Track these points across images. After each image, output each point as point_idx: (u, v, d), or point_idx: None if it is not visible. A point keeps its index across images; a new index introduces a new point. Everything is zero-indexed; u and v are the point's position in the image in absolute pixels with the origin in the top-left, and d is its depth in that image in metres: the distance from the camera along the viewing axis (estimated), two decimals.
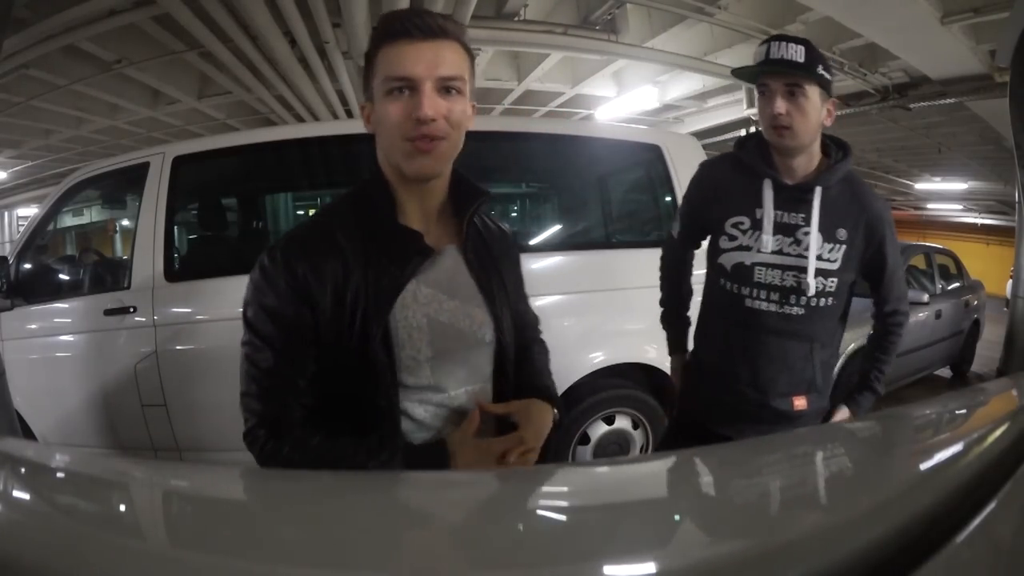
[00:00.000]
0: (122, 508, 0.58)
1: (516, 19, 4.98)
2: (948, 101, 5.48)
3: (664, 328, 1.53)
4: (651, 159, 2.60)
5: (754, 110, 6.94)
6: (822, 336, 1.28)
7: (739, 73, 1.28)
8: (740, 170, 1.28)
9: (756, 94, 1.25)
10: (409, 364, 0.83)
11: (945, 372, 5.59)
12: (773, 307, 1.24)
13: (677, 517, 0.54)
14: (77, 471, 0.68)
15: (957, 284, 5.57)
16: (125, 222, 4.20)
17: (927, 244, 5.95)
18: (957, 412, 0.88)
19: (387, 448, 0.80)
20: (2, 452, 0.74)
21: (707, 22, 4.83)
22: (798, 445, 0.78)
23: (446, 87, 0.78)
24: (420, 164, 0.79)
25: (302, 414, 0.81)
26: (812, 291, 1.21)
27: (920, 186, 12.19)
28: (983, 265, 8.70)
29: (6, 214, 14.02)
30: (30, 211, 11.38)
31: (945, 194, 13.06)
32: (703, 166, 1.39)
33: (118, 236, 7.51)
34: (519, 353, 0.97)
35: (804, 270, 1.21)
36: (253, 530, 0.49)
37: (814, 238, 1.20)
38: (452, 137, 0.80)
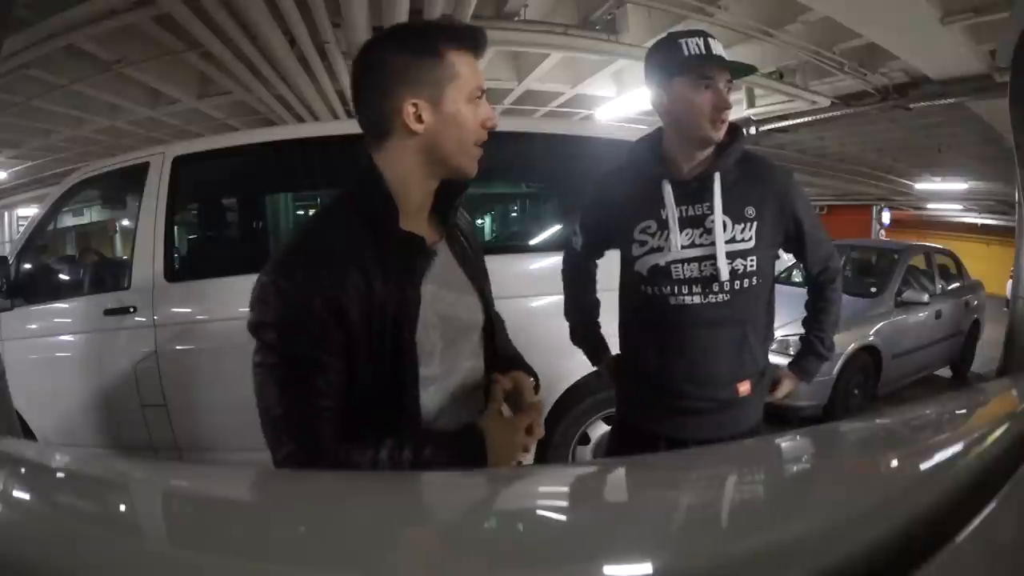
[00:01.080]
0: (122, 508, 0.58)
1: (516, 19, 4.97)
2: (948, 101, 5.48)
3: (578, 344, 1.54)
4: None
5: (755, 110, 6.96)
6: (753, 317, 1.27)
7: (693, 59, 1.20)
8: (636, 176, 1.30)
9: (683, 86, 1.20)
10: (424, 360, 0.85)
11: (945, 372, 5.59)
12: (698, 299, 1.24)
13: (677, 517, 0.54)
14: (77, 471, 0.68)
15: (957, 284, 5.57)
16: (125, 222, 4.21)
17: (927, 244, 5.95)
18: (957, 412, 0.88)
19: (425, 443, 0.81)
20: (2, 452, 0.74)
21: (707, 22, 4.82)
22: (797, 445, 0.78)
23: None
24: (476, 168, 0.86)
25: (338, 430, 0.80)
26: (725, 275, 1.21)
27: (920, 186, 12.18)
28: (983, 265, 8.69)
29: (6, 214, 14.02)
30: (30, 211, 11.38)
31: (945, 194, 13.05)
32: (598, 183, 1.40)
33: (118, 236, 7.51)
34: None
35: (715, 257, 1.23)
36: (253, 530, 0.49)
37: (718, 224, 1.21)
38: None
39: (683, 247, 1.23)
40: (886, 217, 14.94)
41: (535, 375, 1.02)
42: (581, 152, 2.65)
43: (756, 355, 1.28)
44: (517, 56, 6.47)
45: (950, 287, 5.42)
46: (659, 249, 1.24)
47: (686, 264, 1.23)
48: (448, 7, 4.44)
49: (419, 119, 0.82)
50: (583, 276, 1.52)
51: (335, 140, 2.59)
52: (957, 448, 0.67)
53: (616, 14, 5.02)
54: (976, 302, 5.72)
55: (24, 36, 4.27)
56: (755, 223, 1.23)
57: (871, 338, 4.36)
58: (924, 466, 0.65)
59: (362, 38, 4.71)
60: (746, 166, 1.26)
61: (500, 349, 1.03)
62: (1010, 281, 5.83)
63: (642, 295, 1.29)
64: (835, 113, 6.38)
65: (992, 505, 0.47)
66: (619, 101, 6.94)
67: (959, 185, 11.55)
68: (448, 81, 0.81)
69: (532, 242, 2.83)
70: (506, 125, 3.66)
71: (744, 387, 1.27)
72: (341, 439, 0.81)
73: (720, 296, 1.23)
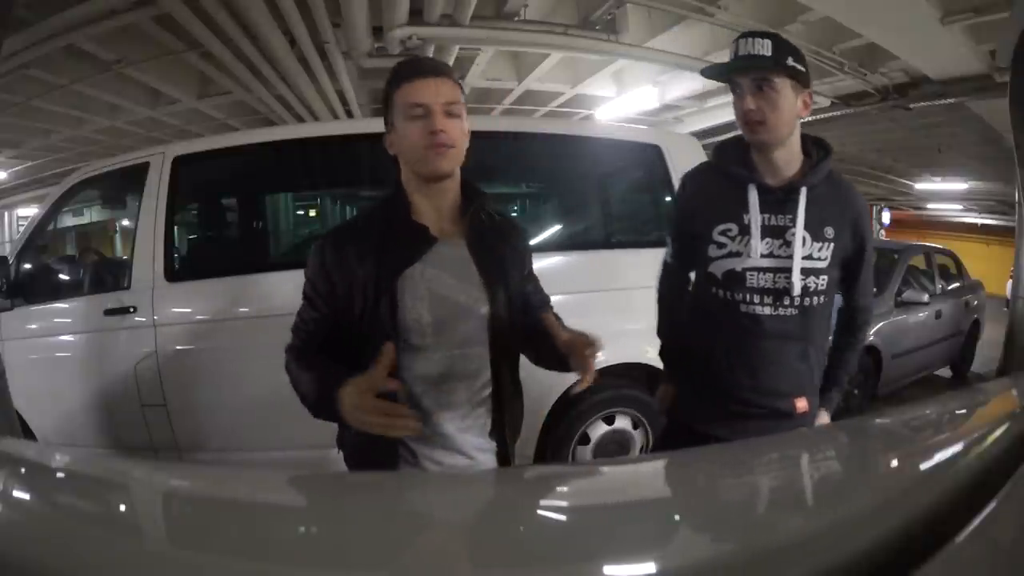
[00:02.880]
0: (122, 508, 0.58)
1: (516, 19, 4.97)
2: (948, 101, 5.48)
3: (666, 362, 1.50)
4: (651, 159, 2.59)
5: None
6: (816, 336, 1.28)
7: (708, 72, 1.29)
8: (723, 177, 1.28)
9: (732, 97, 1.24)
10: (413, 326, 1.05)
11: (945, 372, 5.59)
12: (768, 310, 1.24)
13: (677, 517, 0.54)
14: (77, 471, 0.68)
15: (957, 284, 5.57)
16: (125, 222, 4.20)
17: (927, 244, 5.95)
18: (957, 412, 0.88)
19: (321, 375, 1.01)
20: (2, 452, 0.74)
21: (707, 22, 4.82)
22: (798, 445, 0.78)
23: (448, 111, 1.03)
24: (435, 165, 1.03)
25: (318, 349, 1.07)
26: (797, 291, 1.21)
27: (920, 186, 12.17)
28: (983, 265, 8.69)
29: (6, 214, 14.02)
30: (30, 211, 11.38)
31: (945, 194, 13.04)
32: (685, 181, 1.38)
33: (118, 236, 7.51)
34: (531, 325, 1.14)
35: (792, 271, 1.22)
36: (253, 530, 0.49)
37: (799, 238, 1.21)
38: (458, 145, 1.05)
39: (761, 255, 1.23)
40: (886, 217, 14.94)
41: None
42: (581, 152, 2.65)
43: (815, 374, 1.29)
44: (517, 56, 6.48)
45: (950, 287, 5.42)
46: (737, 254, 1.24)
47: (761, 273, 1.23)
48: (448, 7, 4.45)
49: (391, 144, 1.09)
50: (680, 291, 1.45)
51: (335, 140, 2.59)
52: (957, 448, 0.67)
53: (616, 14, 5.02)
54: (976, 302, 5.71)
55: (24, 36, 4.27)
56: (832, 244, 1.23)
57: (871, 338, 4.35)
58: (924, 466, 0.65)
59: (362, 38, 4.72)
60: (830, 184, 1.25)
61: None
62: (1010, 281, 5.83)
63: (713, 298, 1.29)
64: (835, 113, 6.38)
65: (992, 505, 0.47)
66: (619, 101, 6.94)
67: (959, 185, 11.55)
68: (394, 110, 1.06)
69: (533, 242, 2.82)
70: (503, 125, 3.67)
71: (802, 404, 1.28)
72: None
73: (790, 310, 1.23)
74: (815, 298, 1.23)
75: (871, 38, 4.65)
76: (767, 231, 1.23)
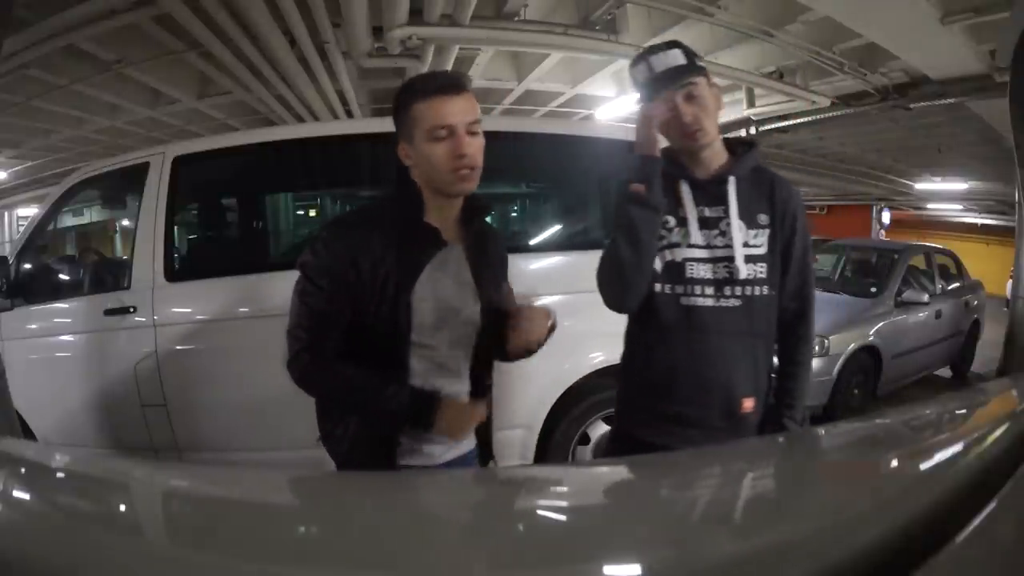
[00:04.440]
0: (122, 508, 0.58)
1: (516, 19, 4.97)
2: (948, 101, 5.47)
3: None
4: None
5: (755, 110, 6.96)
6: (762, 331, 1.26)
7: (646, 95, 1.25)
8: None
9: (654, 108, 1.23)
10: (417, 327, 1.10)
11: (945, 372, 5.59)
12: (709, 301, 1.23)
13: (677, 517, 0.54)
14: (77, 471, 0.68)
15: (957, 284, 5.57)
16: (125, 222, 4.20)
17: (927, 244, 5.95)
18: (957, 412, 0.88)
19: (400, 386, 1.09)
20: (2, 452, 0.74)
21: (707, 22, 4.82)
22: (798, 445, 0.78)
23: (471, 131, 1.06)
24: (462, 187, 1.09)
25: (337, 349, 1.10)
26: (744, 274, 1.21)
27: (920, 186, 12.16)
28: (983, 265, 8.68)
29: (6, 214, 14.01)
30: (30, 211, 11.37)
31: (945, 194, 13.02)
32: (620, 182, 1.34)
33: (118, 236, 7.51)
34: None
35: (733, 259, 1.22)
36: (253, 530, 0.49)
37: (735, 223, 1.22)
38: (480, 164, 1.08)
39: (699, 246, 1.24)
40: (886, 217, 14.92)
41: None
42: (581, 152, 2.65)
43: (761, 372, 1.27)
44: (517, 56, 6.47)
45: (950, 287, 5.42)
46: (676, 244, 1.25)
47: (700, 264, 1.24)
48: (448, 7, 4.44)
49: (407, 156, 1.10)
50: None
51: (335, 140, 2.59)
52: (957, 448, 0.67)
53: (616, 14, 5.02)
54: (976, 302, 5.72)
55: (24, 36, 4.26)
56: (767, 230, 1.25)
57: (871, 338, 4.36)
58: (924, 466, 0.65)
59: (362, 38, 4.72)
60: (759, 175, 1.28)
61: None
62: (1010, 281, 5.83)
63: (654, 295, 1.26)
64: (835, 113, 6.37)
65: (992, 505, 0.47)
66: (619, 101, 6.94)
67: (959, 185, 11.53)
68: (415, 127, 1.06)
69: (532, 242, 2.82)
70: (503, 125, 3.67)
71: (749, 403, 1.25)
72: (344, 360, 1.10)
73: (732, 301, 1.23)
74: (757, 287, 1.23)
75: (871, 38, 4.64)
76: (703, 223, 1.25)
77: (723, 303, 1.23)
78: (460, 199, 1.14)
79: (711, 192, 1.25)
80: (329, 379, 1.11)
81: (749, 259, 1.22)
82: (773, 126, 7.01)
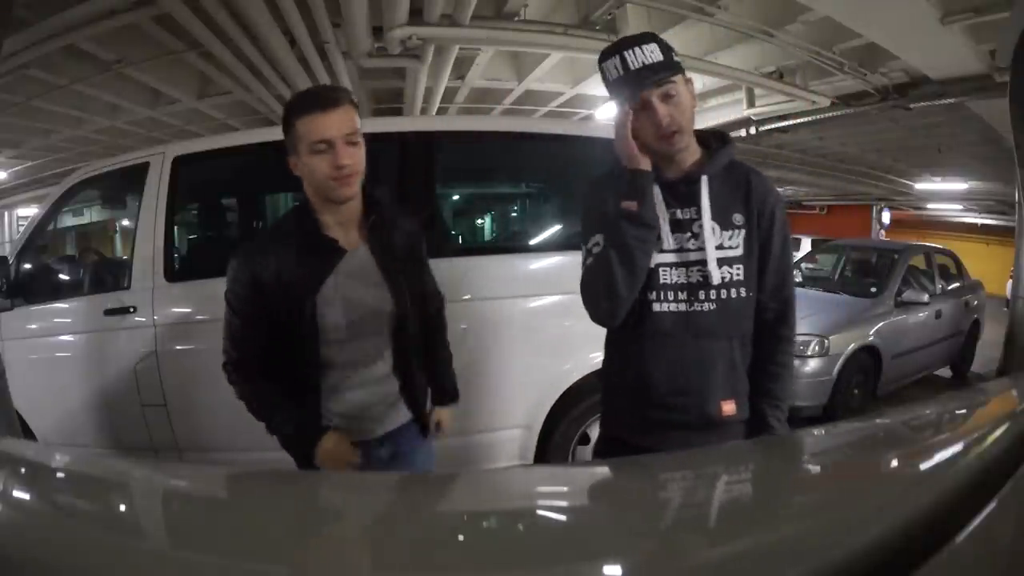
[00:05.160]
0: (122, 508, 0.58)
1: (516, 19, 4.97)
2: (948, 101, 5.47)
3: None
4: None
5: (755, 110, 6.95)
6: (737, 331, 1.21)
7: (616, 95, 1.19)
8: (624, 176, 1.22)
9: (619, 108, 1.18)
10: (331, 328, 1.23)
11: (945, 372, 5.59)
12: (683, 307, 1.18)
13: (677, 517, 0.54)
14: (77, 471, 0.68)
15: (957, 284, 5.57)
16: (125, 222, 4.20)
17: (927, 244, 5.95)
18: (957, 412, 0.88)
19: (289, 415, 1.27)
20: (2, 452, 0.74)
21: (707, 22, 4.82)
22: (798, 445, 0.78)
23: (349, 141, 1.15)
24: (343, 193, 1.18)
25: (260, 359, 1.26)
26: (717, 279, 1.16)
27: (920, 186, 12.17)
28: (983, 265, 8.69)
29: (6, 214, 14.01)
30: (30, 211, 11.37)
31: (945, 194, 13.03)
32: (589, 186, 1.34)
33: (118, 236, 7.50)
34: (425, 323, 1.41)
35: (707, 263, 1.16)
36: (253, 530, 0.49)
37: (707, 226, 1.16)
38: (360, 170, 1.18)
39: (670, 250, 1.18)
40: (886, 217, 14.92)
41: (456, 397, 1.52)
42: (580, 152, 2.65)
43: (739, 374, 1.22)
44: (517, 56, 6.47)
45: (950, 287, 5.42)
46: None
47: (673, 269, 1.18)
48: (448, 7, 4.44)
49: (296, 168, 1.21)
50: None
51: None
52: (957, 448, 0.67)
53: (616, 14, 5.02)
54: (976, 302, 5.72)
55: (24, 36, 4.26)
56: (743, 231, 1.19)
57: (871, 338, 4.36)
58: (924, 466, 0.65)
59: (362, 38, 4.72)
60: (734, 172, 1.22)
61: (431, 347, 1.46)
62: (1010, 281, 5.83)
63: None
64: (835, 113, 6.37)
65: (992, 505, 0.47)
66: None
67: (959, 185, 11.54)
68: (299, 142, 1.16)
69: (530, 242, 2.82)
70: (503, 125, 3.66)
71: (729, 407, 1.21)
72: (267, 374, 1.26)
73: (707, 305, 1.18)
74: (733, 290, 1.18)
75: (871, 38, 4.64)
76: (674, 225, 1.19)
77: (697, 307, 1.18)
78: (356, 202, 1.24)
79: (683, 193, 1.19)
80: (247, 393, 1.29)
81: (723, 262, 1.17)
82: (773, 126, 7.01)
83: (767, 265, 1.22)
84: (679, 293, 1.18)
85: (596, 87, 6.90)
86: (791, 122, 6.82)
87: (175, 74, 6.26)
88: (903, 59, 5.14)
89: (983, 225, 15.45)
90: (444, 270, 2.35)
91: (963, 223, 16.18)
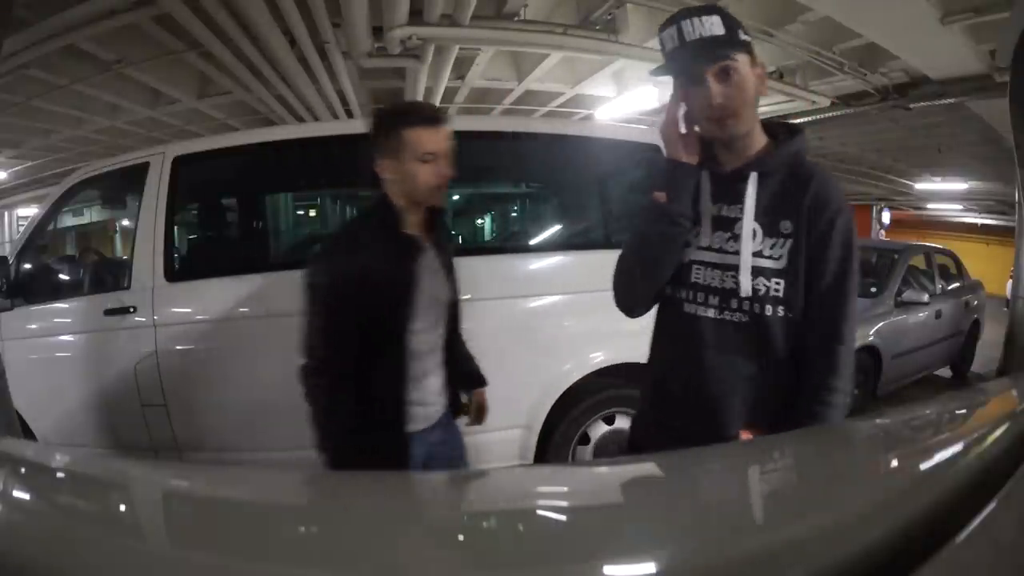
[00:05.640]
0: (122, 508, 0.58)
1: (516, 19, 4.97)
2: (948, 101, 5.48)
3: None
4: (651, 159, 2.59)
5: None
6: (773, 353, 1.04)
7: (661, 71, 1.07)
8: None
9: (676, 87, 1.07)
10: (419, 318, 1.34)
11: (945, 372, 5.59)
12: (711, 312, 1.06)
13: (677, 517, 0.54)
14: (77, 471, 0.68)
15: (957, 284, 5.57)
16: (125, 222, 4.20)
17: (927, 244, 5.95)
18: (957, 412, 0.88)
19: (345, 447, 1.28)
20: (2, 452, 0.74)
21: None
22: (799, 445, 0.78)
23: (447, 155, 1.30)
24: (438, 199, 1.35)
25: (348, 362, 1.27)
26: (746, 292, 1.01)
27: (920, 186, 12.17)
28: (983, 265, 8.69)
29: (6, 214, 14.01)
30: (30, 211, 11.37)
31: (945, 194, 13.03)
32: (642, 166, 1.27)
33: (118, 236, 7.51)
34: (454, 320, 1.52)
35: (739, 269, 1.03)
36: (253, 530, 0.49)
37: (747, 228, 1.03)
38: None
39: (709, 248, 1.07)
40: (886, 217, 14.92)
41: (484, 382, 1.62)
42: (580, 152, 2.65)
43: (765, 405, 1.05)
44: (517, 56, 6.47)
45: (950, 287, 5.42)
46: (688, 244, 1.09)
47: (708, 269, 1.07)
48: (448, 7, 4.44)
49: (389, 172, 1.30)
50: None
51: (335, 140, 2.58)
52: (957, 448, 0.67)
53: (616, 14, 5.02)
54: (976, 302, 5.72)
55: (24, 36, 4.26)
56: (790, 241, 1.02)
57: (871, 338, 4.36)
58: (924, 466, 0.65)
59: (362, 38, 4.72)
60: (797, 173, 1.05)
61: (467, 361, 1.60)
62: (1010, 281, 5.83)
63: (661, 296, 1.14)
64: (835, 113, 6.37)
65: (992, 505, 0.47)
66: (619, 101, 6.94)
67: (959, 185, 11.54)
68: (404, 148, 1.27)
69: (531, 242, 2.82)
70: (503, 125, 3.66)
71: (746, 436, 1.06)
72: (350, 371, 1.28)
73: (737, 315, 1.04)
74: (768, 306, 1.02)
75: (871, 38, 4.64)
76: (718, 223, 1.07)
77: (727, 317, 1.04)
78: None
79: (731, 188, 1.05)
80: (327, 402, 1.28)
81: (759, 272, 1.02)
82: None
83: (815, 289, 1.02)
84: (711, 297, 1.06)
85: (596, 87, 6.91)
86: (791, 122, 6.82)
87: (175, 74, 6.26)
88: (903, 59, 5.14)
89: (983, 225, 15.44)
90: None
91: (963, 223, 16.18)
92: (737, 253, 1.04)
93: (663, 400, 1.15)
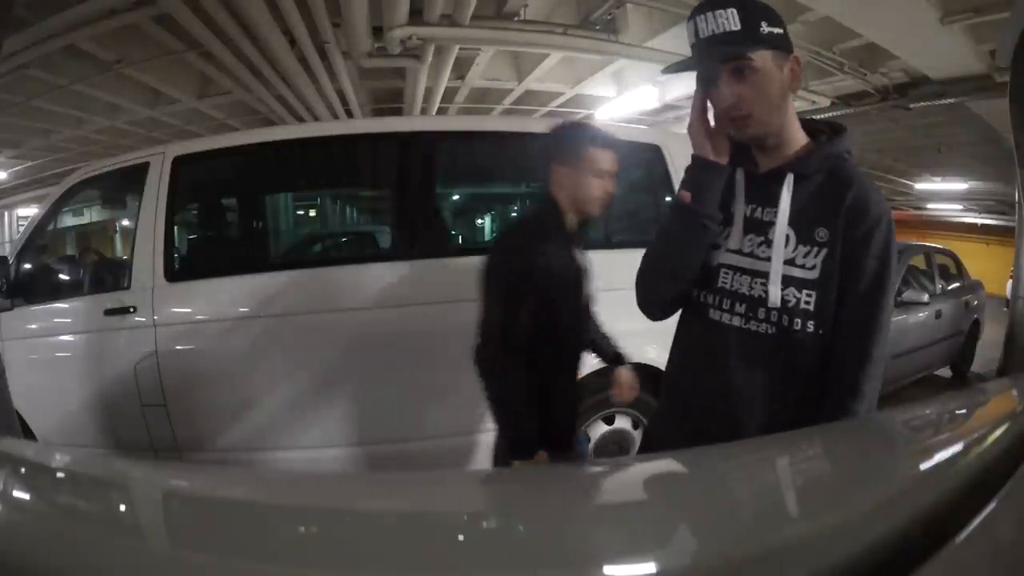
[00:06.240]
0: (122, 508, 0.58)
1: (516, 19, 4.97)
2: (948, 101, 5.48)
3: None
4: (651, 159, 2.59)
5: None
6: (800, 370, 0.97)
7: (673, 69, 1.03)
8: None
9: (698, 83, 1.01)
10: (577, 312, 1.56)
11: (945, 372, 5.59)
12: (737, 321, 0.99)
13: (677, 517, 0.54)
14: (77, 471, 0.68)
15: (957, 284, 5.57)
16: (125, 222, 4.20)
17: (927, 244, 5.95)
18: (957, 412, 0.88)
19: (519, 426, 1.41)
20: (2, 452, 0.74)
21: None
22: (798, 445, 0.78)
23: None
24: (600, 210, 1.52)
25: (521, 352, 1.40)
26: (775, 301, 0.94)
27: (920, 186, 12.18)
28: (983, 265, 8.69)
29: (6, 214, 14.02)
30: (30, 211, 11.38)
31: (945, 194, 13.04)
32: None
33: (118, 236, 7.51)
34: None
35: (768, 276, 0.96)
36: (253, 530, 0.49)
37: (780, 234, 0.96)
38: None
39: (740, 252, 1.00)
40: None
41: (625, 360, 1.78)
42: None
43: (790, 420, 0.98)
44: (517, 56, 6.48)
45: (950, 287, 5.42)
46: (716, 246, 1.02)
47: (736, 274, 1.00)
48: (448, 7, 4.45)
49: (562, 177, 1.49)
50: None
51: (335, 140, 2.59)
52: (957, 448, 0.67)
53: (616, 14, 5.02)
54: (976, 302, 5.71)
55: (24, 36, 4.27)
56: (825, 250, 0.94)
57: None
58: (924, 466, 0.65)
59: (362, 38, 4.72)
60: (837, 177, 0.97)
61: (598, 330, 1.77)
62: (1010, 281, 5.83)
63: (688, 298, 1.07)
64: (835, 113, 6.38)
65: (992, 505, 0.47)
66: (619, 101, 6.94)
67: (959, 185, 11.55)
68: (585, 162, 1.47)
69: None
70: (503, 125, 3.64)
71: None
72: (531, 350, 1.41)
73: (764, 326, 0.96)
74: (798, 320, 0.94)
75: (871, 38, 4.65)
76: (750, 225, 1.00)
77: (753, 327, 0.97)
78: None
79: (766, 190, 0.99)
80: (500, 389, 1.40)
81: (790, 282, 0.95)
82: None
83: (847, 306, 0.94)
84: (737, 304, 0.99)
85: (596, 87, 6.91)
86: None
87: (175, 74, 6.27)
88: (903, 59, 5.15)
89: (983, 225, 15.45)
90: (447, 270, 2.37)
91: (963, 223, 16.18)
92: (768, 259, 0.97)
93: (681, 406, 1.09)
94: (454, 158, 2.63)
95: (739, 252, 1.00)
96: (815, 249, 0.95)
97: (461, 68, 6.22)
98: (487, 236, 4.84)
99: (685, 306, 1.09)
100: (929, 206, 15.47)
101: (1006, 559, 0.46)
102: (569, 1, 5.27)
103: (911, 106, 5.83)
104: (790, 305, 0.95)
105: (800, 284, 0.95)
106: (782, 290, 0.95)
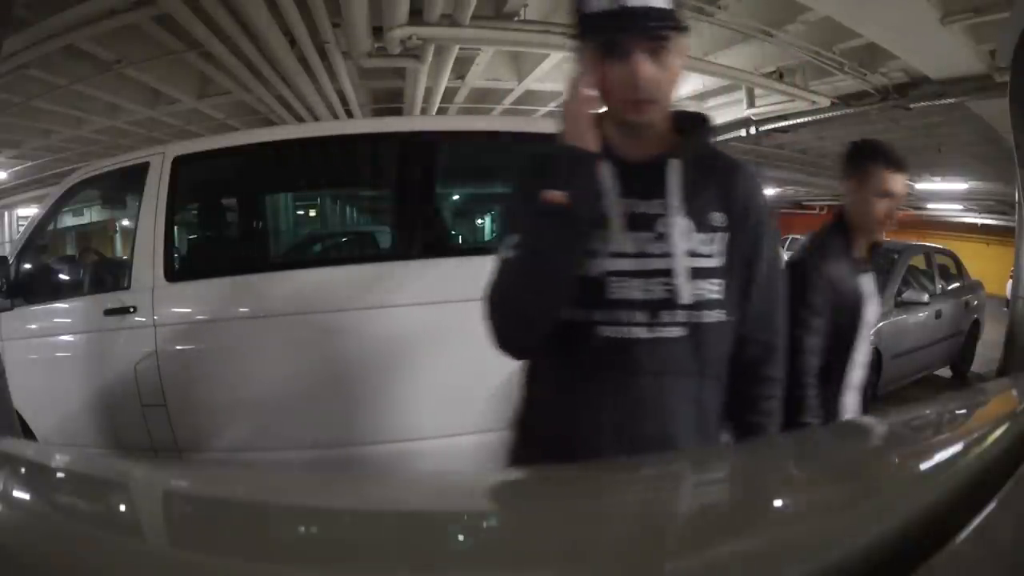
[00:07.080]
0: (122, 508, 0.58)
1: (516, 19, 4.97)
2: (948, 101, 5.48)
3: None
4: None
5: (755, 110, 6.96)
6: (715, 370, 0.91)
7: (583, 31, 0.85)
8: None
9: (588, 56, 0.85)
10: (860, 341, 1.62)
11: (945, 372, 5.59)
12: (642, 332, 0.86)
13: (676, 517, 0.54)
14: (77, 471, 0.68)
15: (957, 284, 5.57)
16: (125, 222, 4.20)
17: (927, 244, 5.95)
18: (957, 412, 0.88)
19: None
20: (2, 452, 0.74)
21: (707, 22, 4.82)
22: (798, 445, 0.78)
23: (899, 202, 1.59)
24: (881, 235, 1.62)
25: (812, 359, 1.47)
26: (688, 297, 0.85)
27: (920, 186, 12.16)
28: (983, 265, 8.68)
29: (6, 214, 14.02)
30: (30, 211, 11.38)
31: (945, 194, 13.04)
32: (528, 159, 1.01)
33: (118, 236, 7.52)
34: None
35: (673, 274, 0.86)
36: (253, 530, 0.49)
37: (677, 224, 0.87)
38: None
39: (627, 255, 0.87)
40: None
41: None
42: None
43: (712, 426, 0.93)
44: (517, 56, 6.48)
45: (950, 287, 5.42)
46: (593, 254, 0.87)
47: (629, 279, 0.86)
48: (448, 7, 4.45)
49: (850, 192, 1.52)
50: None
51: (335, 140, 2.59)
52: (957, 448, 0.67)
53: None
54: (976, 302, 5.72)
55: (24, 36, 4.27)
56: (725, 235, 0.89)
57: (871, 338, 4.35)
58: (924, 466, 0.65)
59: (362, 38, 4.73)
60: (714, 162, 0.93)
61: None
62: (1010, 281, 5.84)
63: (562, 326, 0.88)
64: (835, 113, 6.38)
65: (992, 505, 0.47)
66: None
67: (959, 185, 11.55)
68: (871, 180, 1.48)
69: None
70: (501, 125, 3.63)
71: None
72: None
73: (673, 330, 0.86)
74: (707, 312, 0.87)
75: (871, 38, 4.65)
76: (632, 222, 0.87)
77: (661, 333, 0.86)
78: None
79: (645, 180, 0.88)
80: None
81: (698, 274, 0.87)
82: (773, 126, 7.02)
83: (752, 285, 0.92)
84: (636, 313, 0.86)
85: None
86: (791, 122, 6.83)
87: (175, 74, 6.27)
88: (903, 59, 5.15)
89: (983, 225, 15.45)
90: (447, 270, 2.37)
91: (963, 223, 16.18)
92: (665, 255, 0.86)
93: (582, 449, 0.90)
94: (458, 158, 2.63)
95: (624, 255, 0.87)
96: (713, 235, 0.89)
97: (461, 68, 6.22)
98: (487, 236, 4.84)
99: (555, 335, 0.88)
100: (929, 206, 15.46)
101: (1006, 560, 0.46)
102: (569, 1, 5.27)
103: (911, 106, 5.83)
104: (701, 299, 0.87)
105: (707, 273, 0.87)
106: (690, 282, 0.86)
